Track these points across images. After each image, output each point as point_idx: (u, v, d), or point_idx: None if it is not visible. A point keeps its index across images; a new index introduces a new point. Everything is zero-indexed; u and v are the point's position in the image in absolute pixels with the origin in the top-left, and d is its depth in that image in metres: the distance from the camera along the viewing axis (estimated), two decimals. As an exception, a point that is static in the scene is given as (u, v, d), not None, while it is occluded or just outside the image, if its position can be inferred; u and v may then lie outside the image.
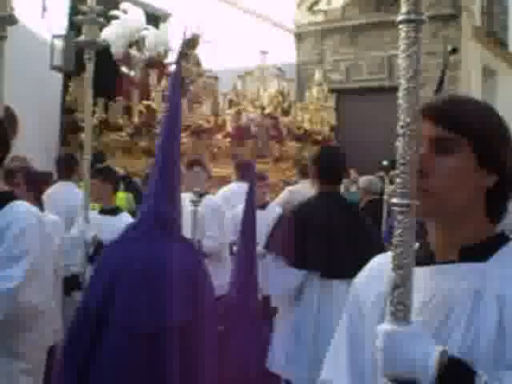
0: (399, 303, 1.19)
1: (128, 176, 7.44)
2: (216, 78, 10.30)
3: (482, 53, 15.09)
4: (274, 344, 3.60)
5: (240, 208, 4.46)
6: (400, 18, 1.17)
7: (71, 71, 8.79)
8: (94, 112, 8.26)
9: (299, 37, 15.80)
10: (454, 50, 6.56)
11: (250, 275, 3.51)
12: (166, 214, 2.61)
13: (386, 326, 1.20)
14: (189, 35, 9.53)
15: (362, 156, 10.97)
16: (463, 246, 1.32)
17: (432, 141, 1.31)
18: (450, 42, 11.39)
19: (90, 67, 3.98)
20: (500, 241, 1.34)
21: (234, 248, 4.82)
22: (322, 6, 15.45)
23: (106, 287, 2.56)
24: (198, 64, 10.20)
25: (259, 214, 3.70)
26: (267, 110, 11.08)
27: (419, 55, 1.17)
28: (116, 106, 9.07)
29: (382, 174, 7.34)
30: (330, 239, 3.52)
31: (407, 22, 1.16)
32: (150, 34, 9.69)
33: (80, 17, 3.93)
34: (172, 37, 9.58)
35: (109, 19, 8.60)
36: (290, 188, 8.15)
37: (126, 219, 4.52)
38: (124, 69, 9.50)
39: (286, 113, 11.61)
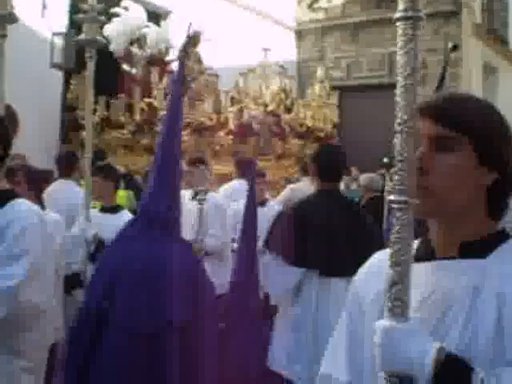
0: (397, 299, 1.19)
1: (129, 174, 7.44)
2: (216, 75, 10.29)
3: (482, 50, 15.08)
4: (274, 343, 3.60)
5: (240, 204, 4.45)
6: (397, 15, 1.17)
7: (71, 69, 8.80)
8: (95, 110, 8.29)
9: (300, 34, 15.80)
10: (455, 47, 6.54)
11: (250, 274, 3.51)
12: (164, 214, 2.60)
13: (383, 323, 1.20)
14: (191, 33, 9.52)
15: (364, 153, 10.97)
16: (463, 242, 1.32)
17: (432, 139, 1.30)
18: (451, 39, 11.36)
19: (90, 65, 3.98)
20: (500, 238, 1.34)
21: (234, 245, 4.82)
22: (323, 3, 15.45)
23: (106, 287, 2.55)
24: (199, 62, 10.19)
25: (258, 211, 3.70)
26: (269, 108, 11.07)
27: (417, 52, 1.17)
28: (117, 103, 9.08)
29: (383, 171, 7.33)
30: (330, 239, 3.51)
31: (405, 19, 1.16)
32: (151, 31, 9.69)
33: (81, 15, 3.93)
34: (173, 34, 9.57)
35: (110, 17, 8.61)
36: (291, 186, 8.15)
37: (126, 217, 4.50)
38: (125, 66, 9.51)
39: (288, 110, 11.61)
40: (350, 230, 3.57)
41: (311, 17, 15.53)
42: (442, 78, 5.20)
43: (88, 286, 2.87)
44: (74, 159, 6.00)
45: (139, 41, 9.63)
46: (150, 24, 9.80)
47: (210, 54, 10.09)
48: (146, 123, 8.87)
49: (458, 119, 1.30)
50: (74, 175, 5.83)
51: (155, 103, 9.01)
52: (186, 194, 4.91)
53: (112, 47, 9.01)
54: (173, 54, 9.54)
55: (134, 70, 9.55)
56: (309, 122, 11.80)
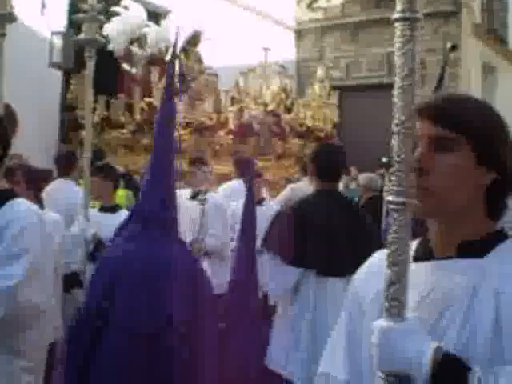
0: (394, 299, 1.20)
1: (128, 173, 7.44)
2: (216, 75, 10.28)
3: (482, 50, 15.07)
4: (272, 342, 3.60)
5: (239, 204, 4.45)
6: (395, 16, 1.17)
7: (70, 69, 8.79)
8: (95, 109, 8.28)
9: (299, 34, 15.79)
10: (454, 47, 6.54)
11: (250, 274, 3.51)
12: (162, 214, 2.60)
13: (381, 323, 1.21)
14: (188, 33, 9.53)
15: (364, 153, 10.96)
16: (462, 242, 1.32)
17: (431, 139, 1.31)
18: (450, 39, 11.37)
19: (90, 65, 3.98)
20: (498, 238, 1.34)
21: (233, 244, 4.82)
22: (322, 3, 15.44)
23: (106, 287, 2.55)
24: (199, 61, 10.18)
25: (256, 210, 3.70)
26: (269, 107, 11.07)
27: (414, 53, 1.17)
28: (117, 103, 9.07)
29: (382, 171, 7.33)
30: (330, 239, 3.49)
31: (402, 20, 1.17)
32: (152, 30, 9.66)
33: (81, 15, 3.93)
34: (172, 34, 9.56)
35: (110, 16, 8.60)
36: (291, 185, 8.15)
37: (125, 217, 4.51)
38: (125, 66, 9.49)
39: (288, 110, 11.60)
40: (350, 230, 3.56)
41: (310, 16, 15.53)
42: (441, 78, 5.21)
43: (88, 285, 2.87)
44: (73, 159, 6.00)
45: (139, 40, 9.61)
46: (150, 23, 9.79)
47: (210, 54, 10.09)
48: (146, 123, 8.86)
49: (458, 120, 1.31)
50: (73, 175, 5.83)
51: (155, 103, 8.99)
52: (183, 194, 4.92)
53: (112, 46, 9.00)
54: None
55: (134, 70, 9.53)
56: (309, 122, 11.80)
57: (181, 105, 9.30)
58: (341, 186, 5.49)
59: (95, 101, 7.97)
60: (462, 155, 1.29)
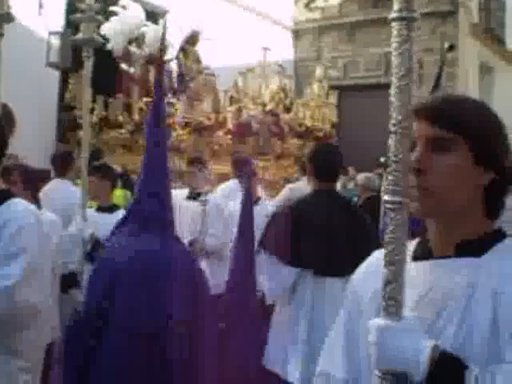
0: (391, 298, 1.20)
1: (126, 173, 7.43)
2: (213, 75, 10.28)
3: (479, 50, 15.09)
4: (269, 342, 3.59)
5: (235, 204, 4.45)
6: (392, 15, 1.17)
7: (68, 68, 8.78)
8: (93, 109, 8.28)
9: (297, 34, 15.80)
10: (451, 47, 6.55)
11: (249, 275, 3.50)
12: (161, 214, 2.60)
13: (378, 321, 1.21)
14: (187, 33, 9.53)
15: (363, 153, 10.97)
16: (460, 241, 1.33)
17: (429, 140, 1.31)
18: (448, 39, 11.39)
19: (88, 65, 3.97)
20: (496, 237, 1.34)
21: (230, 244, 4.82)
22: (319, 2, 15.45)
23: (106, 287, 2.55)
24: (197, 61, 10.18)
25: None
26: (268, 107, 11.07)
27: (411, 53, 1.17)
28: (116, 103, 9.07)
29: (380, 171, 7.33)
30: (330, 239, 3.49)
31: (399, 19, 1.16)
32: (150, 30, 9.65)
33: (78, 15, 3.92)
34: (170, 34, 9.55)
35: (108, 16, 8.59)
36: (290, 185, 8.14)
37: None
38: (124, 66, 9.49)
39: (287, 110, 11.60)
40: (350, 230, 3.54)
41: (308, 16, 15.54)
42: (439, 78, 5.22)
43: (86, 285, 2.86)
44: (70, 159, 5.98)
45: (137, 40, 9.61)
46: (149, 23, 9.78)
47: (208, 54, 10.09)
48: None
49: (455, 120, 1.31)
50: (69, 175, 5.82)
51: (153, 103, 8.98)
52: (178, 194, 4.93)
53: (110, 46, 9.00)
54: (171, 54, 9.52)
55: (132, 70, 9.53)
56: (308, 122, 11.81)
57: (180, 105, 9.32)
58: (338, 185, 5.50)
59: (93, 101, 7.97)
60: (459, 155, 1.30)
